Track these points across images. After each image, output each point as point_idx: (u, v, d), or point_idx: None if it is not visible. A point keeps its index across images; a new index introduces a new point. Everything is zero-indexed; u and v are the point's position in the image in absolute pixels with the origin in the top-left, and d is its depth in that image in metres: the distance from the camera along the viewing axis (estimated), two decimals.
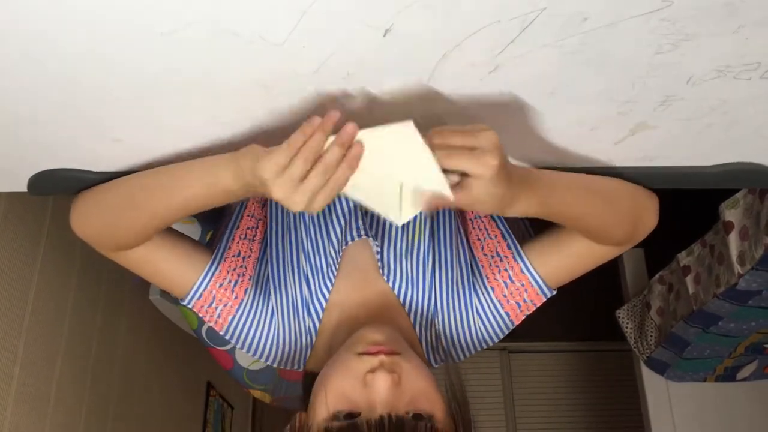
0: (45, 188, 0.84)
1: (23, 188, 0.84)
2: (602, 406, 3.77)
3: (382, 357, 0.73)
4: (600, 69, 0.64)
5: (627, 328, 2.47)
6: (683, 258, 2.04)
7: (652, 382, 2.45)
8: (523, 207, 0.72)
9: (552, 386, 3.83)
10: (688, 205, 2.06)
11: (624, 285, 2.65)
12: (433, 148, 0.65)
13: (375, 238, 0.90)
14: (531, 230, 1.05)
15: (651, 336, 2.31)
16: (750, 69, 0.64)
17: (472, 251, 0.94)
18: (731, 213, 1.72)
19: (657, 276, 2.26)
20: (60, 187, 0.84)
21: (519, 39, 0.60)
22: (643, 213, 0.85)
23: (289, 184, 0.66)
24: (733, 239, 1.70)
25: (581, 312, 3.35)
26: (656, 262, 2.34)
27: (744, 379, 2.39)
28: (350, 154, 0.66)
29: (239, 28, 0.58)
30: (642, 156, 0.80)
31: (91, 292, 1.61)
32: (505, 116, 0.72)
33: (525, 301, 0.89)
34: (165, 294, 1.64)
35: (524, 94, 0.69)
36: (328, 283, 0.89)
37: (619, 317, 2.51)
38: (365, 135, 0.65)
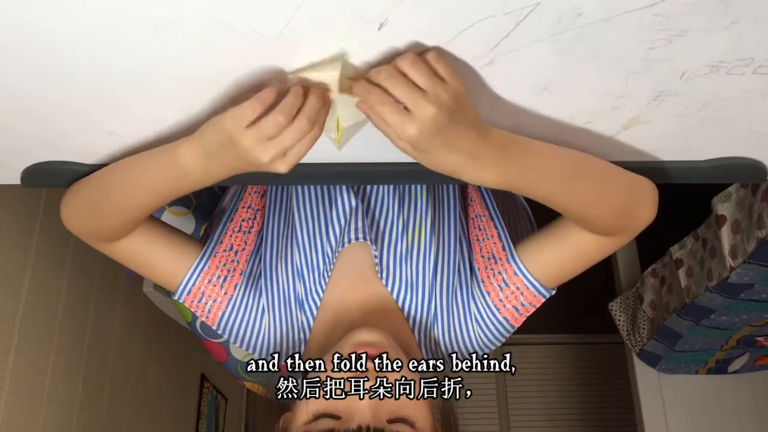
0: (38, 180, 0.84)
1: (17, 180, 0.84)
2: (595, 397, 3.79)
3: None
4: (594, 64, 0.64)
5: (619, 320, 2.49)
6: (676, 251, 2.05)
7: (644, 375, 2.47)
8: (487, 178, 0.68)
9: (545, 378, 3.85)
10: (681, 198, 2.06)
11: (617, 278, 2.66)
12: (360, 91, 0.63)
13: (374, 241, 0.88)
14: (535, 224, 1.03)
15: (643, 329, 2.32)
16: (743, 64, 0.64)
17: (471, 253, 0.91)
18: (724, 207, 1.73)
19: (649, 269, 2.27)
20: (53, 180, 0.83)
21: (513, 33, 0.60)
22: (639, 203, 0.81)
23: (257, 136, 0.63)
24: (725, 233, 1.71)
25: (574, 304, 3.36)
26: (649, 255, 2.35)
27: (735, 372, 2.40)
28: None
29: (233, 21, 0.58)
30: (635, 150, 0.81)
31: (85, 284, 1.61)
32: (498, 110, 0.72)
33: (523, 305, 0.86)
34: (159, 286, 1.63)
35: (518, 88, 0.69)
36: (323, 282, 0.87)
37: (611, 310, 2.52)
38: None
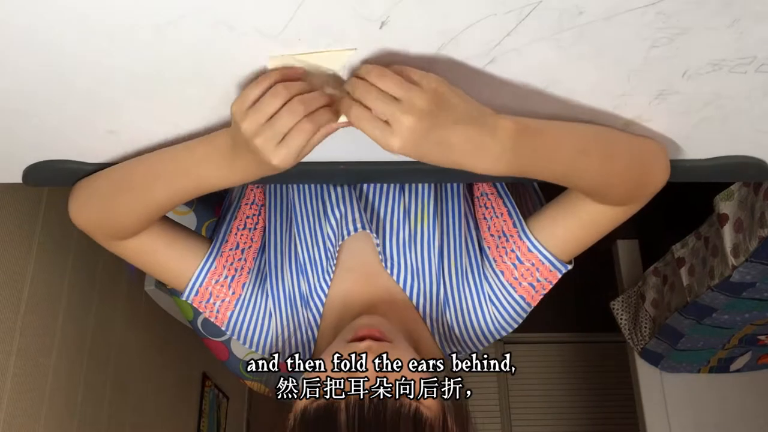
0: (40, 179, 0.84)
1: (18, 179, 0.84)
2: (596, 396, 3.79)
3: (369, 342, 0.71)
4: (595, 62, 0.64)
5: (621, 319, 2.49)
6: (678, 250, 2.05)
7: (646, 374, 2.47)
8: (493, 170, 0.65)
9: (546, 377, 3.85)
10: (683, 197, 2.06)
11: (619, 277, 2.66)
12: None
13: (374, 230, 0.87)
14: (543, 198, 1.00)
15: (645, 327, 2.32)
16: (745, 63, 0.64)
17: (479, 232, 0.90)
18: (726, 205, 1.72)
19: (651, 268, 2.26)
20: (55, 178, 0.83)
21: (515, 32, 0.60)
22: (651, 170, 0.78)
23: (254, 117, 0.62)
24: (727, 231, 1.71)
25: (576, 303, 3.36)
26: (651, 254, 2.35)
27: (737, 371, 2.40)
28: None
29: (234, 20, 0.58)
30: None
31: (87, 283, 1.61)
32: (499, 109, 0.72)
33: (539, 281, 0.84)
34: (160, 285, 1.64)
35: (519, 86, 0.69)
36: (327, 277, 0.87)
37: (613, 309, 2.52)
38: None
